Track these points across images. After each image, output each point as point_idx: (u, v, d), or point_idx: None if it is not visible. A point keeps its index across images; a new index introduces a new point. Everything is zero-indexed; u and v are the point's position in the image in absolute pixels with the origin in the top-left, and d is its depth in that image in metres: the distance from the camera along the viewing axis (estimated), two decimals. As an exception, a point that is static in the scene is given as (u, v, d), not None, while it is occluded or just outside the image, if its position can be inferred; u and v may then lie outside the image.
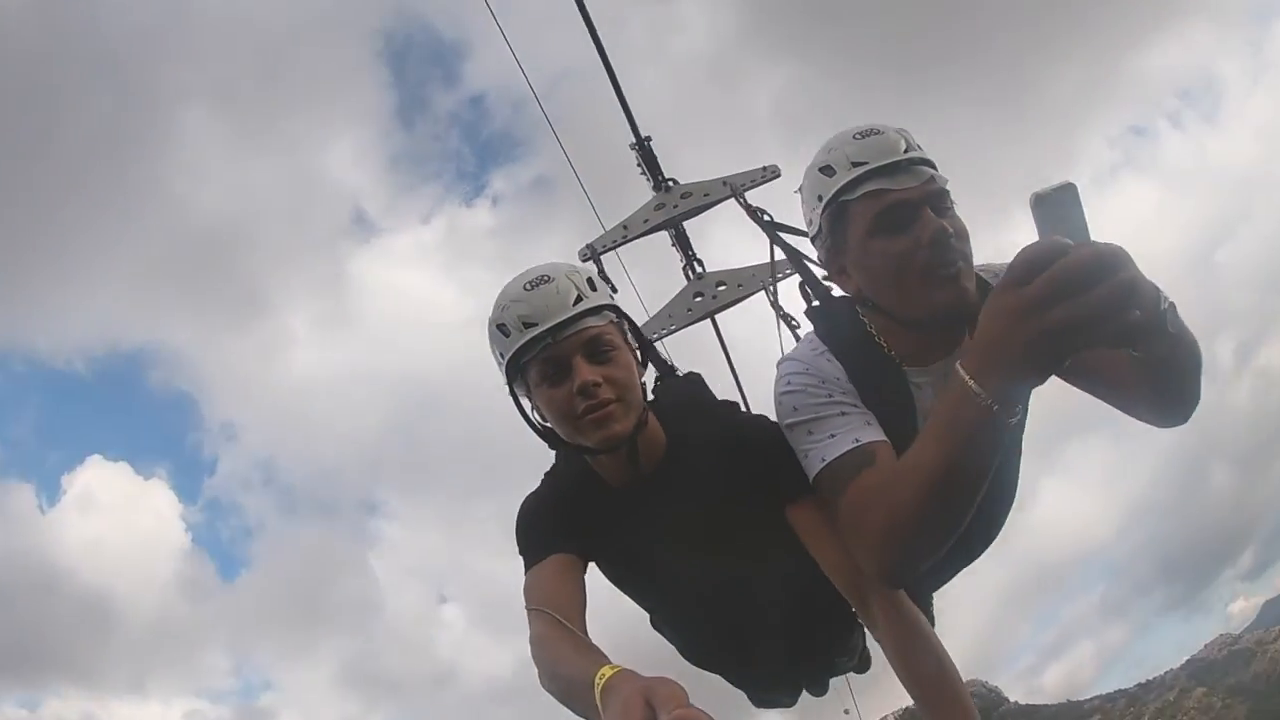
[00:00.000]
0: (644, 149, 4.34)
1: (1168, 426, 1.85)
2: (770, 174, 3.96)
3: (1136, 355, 1.47)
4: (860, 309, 1.92)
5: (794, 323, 3.92)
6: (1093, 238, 1.08)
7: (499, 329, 1.90)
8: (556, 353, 1.84)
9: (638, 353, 1.98)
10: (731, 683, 2.60)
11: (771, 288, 3.88)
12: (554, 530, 1.98)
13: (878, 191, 1.74)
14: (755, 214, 3.60)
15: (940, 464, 1.37)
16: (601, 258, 4.20)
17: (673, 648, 2.51)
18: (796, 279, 2.48)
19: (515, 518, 2.09)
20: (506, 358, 1.89)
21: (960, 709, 1.76)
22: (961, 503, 1.43)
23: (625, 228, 4.17)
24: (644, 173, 4.51)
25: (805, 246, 2.53)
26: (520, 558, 2.01)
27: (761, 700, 2.76)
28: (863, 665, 2.66)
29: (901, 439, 1.70)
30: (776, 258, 3.38)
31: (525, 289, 1.88)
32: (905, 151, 1.76)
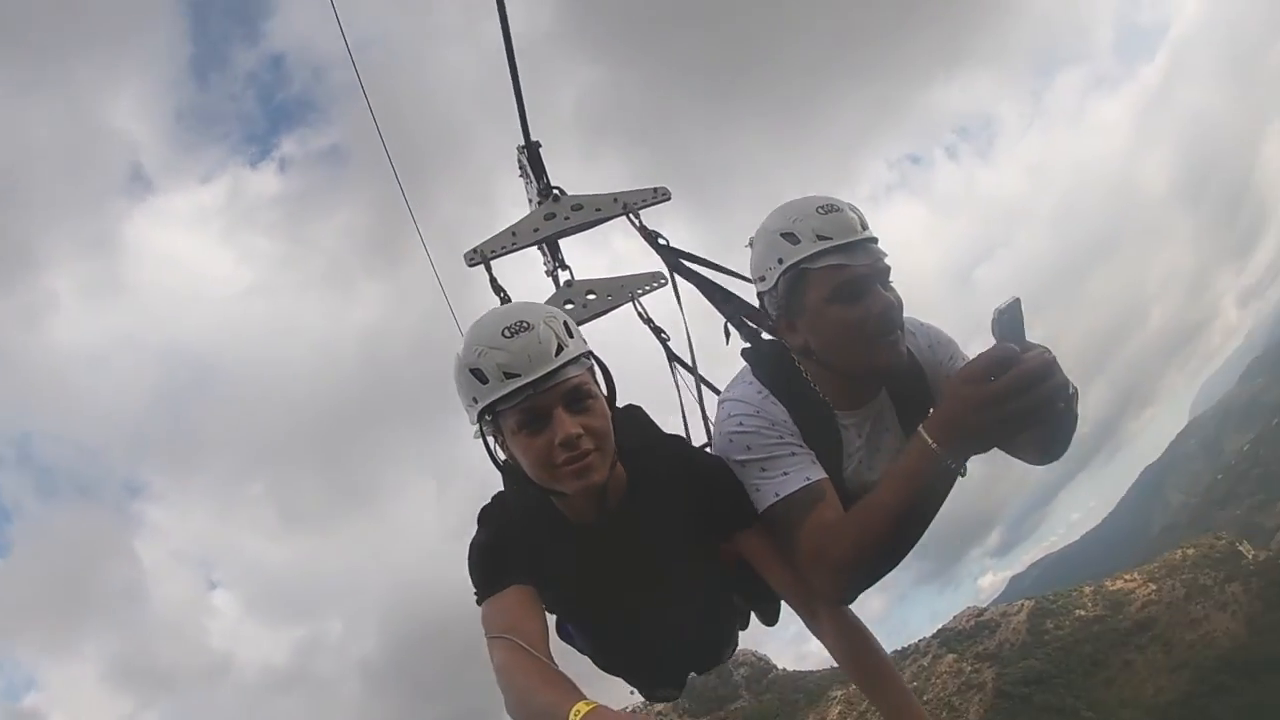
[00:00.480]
0: (533, 154, 4.13)
1: (1046, 464, 2.40)
2: (661, 196, 3.93)
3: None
4: (796, 356, 2.32)
5: (664, 335, 4.18)
6: (1028, 338, 1.65)
7: (473, 374, 1.94)
8: (538, 404, 1.91)
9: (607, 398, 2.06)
10: (632, 682, 2.83)
11: (639, 303, 4.10)
12: (512, 564, 2.04)
13: (839, 266, 2.13)
14: (651, 237, 3.79)
15: (904, 505, 1.86)
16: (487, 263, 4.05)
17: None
18: (666, 291, 3.31)
19: (468, 552, 2.13)
20: (481, 404, 1.93)
21: (904, 695, 2.20)
22: (913, 537, 1.98)
23: (514, 234, 3.94)
24: (523, 175, 4.39)
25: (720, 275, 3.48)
26: (474, 591, 2.07)
27: (655, 695, 3.02)
28: (729, 656, 2.97)
29: (833, 474, 2.23)
30: (680, 284, 3.75)
31: (505, 335, 1.92)
32: (862, 231, 2.16)
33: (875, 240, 2.18)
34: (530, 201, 4.31)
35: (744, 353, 2.59)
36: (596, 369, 2.04)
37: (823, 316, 2.17)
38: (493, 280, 3.85)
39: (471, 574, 2.08)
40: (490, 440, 2.03)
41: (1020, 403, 1.63)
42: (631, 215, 3.83)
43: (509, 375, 1.88)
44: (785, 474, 2.14)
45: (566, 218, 3.93)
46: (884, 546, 1.95)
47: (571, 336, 1.97)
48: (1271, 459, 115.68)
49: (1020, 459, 2.37)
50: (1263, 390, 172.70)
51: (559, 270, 4.37)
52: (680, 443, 2.51)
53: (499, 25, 3.48)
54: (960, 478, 1.82)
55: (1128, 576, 58.05)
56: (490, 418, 1.96)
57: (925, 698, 63.94)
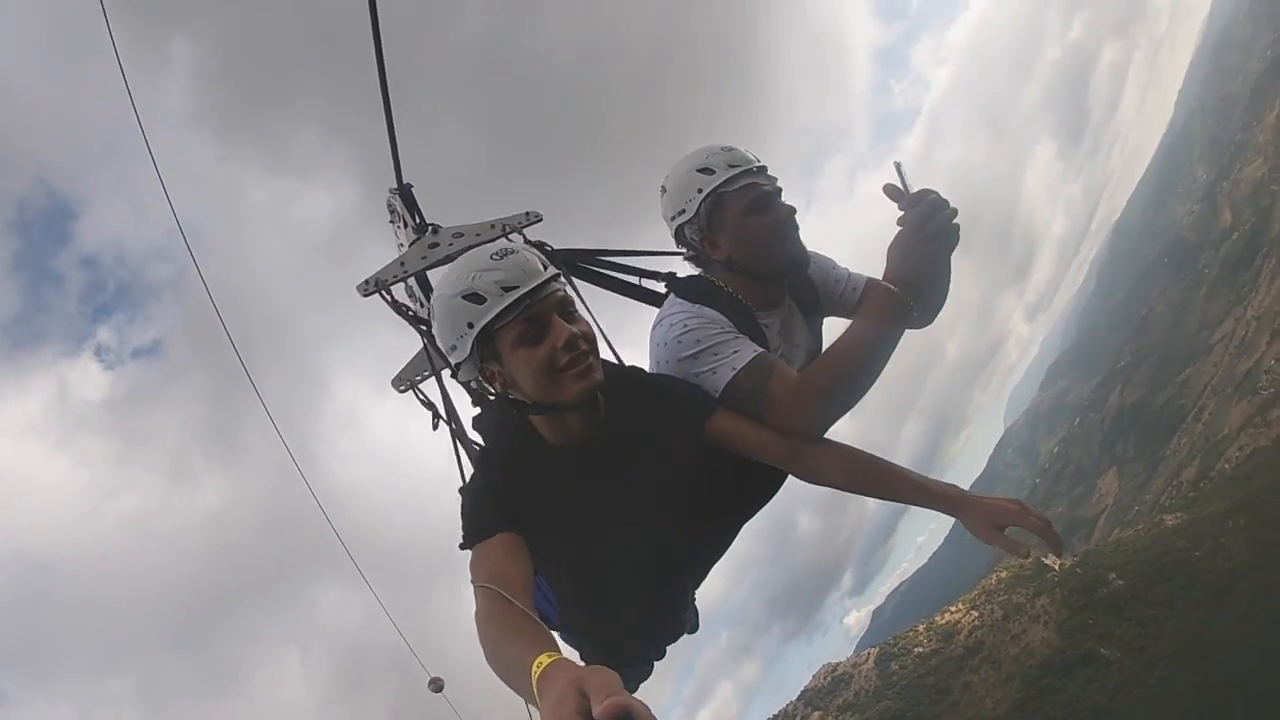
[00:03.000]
0: (406, 195, 4.33)
1: (924, 326, 2.88)
2: (534, 218, 4.17)
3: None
4: (716, 271, 2.74)
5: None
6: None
7: (469, 298, 2.09)
8: (536, 313, 2.09)
9: None
10: (600, 655, 2.83)
11: (523, 234, 4.16)
12: (499, 508, 2.13)
13: (750, 185, 2.64)
14: (537, 247, 3.99)
15: (873, 340, 2.33)
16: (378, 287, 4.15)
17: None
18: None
19: (460, 499, 2.23)
20: (479, 326, 2.08)
21: (921, 478, 2.35)
22: (878, 368, 2.36)
23: (402, 264, 4.07)
24: (394, 220, 4.57)
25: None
26: (461, 538, 2.15)
27: (622, 674, 2.42)
28: (694, 625, 3.11)
29: None
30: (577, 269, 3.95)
31: (494, 259, 2.11)
32: (757, 162, 2.69)
33: (767, 168, 2.70)
34: (400, 245, 4.46)
35: (667, 285, 3.06)
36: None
37: (741, 228, 2.64)
38: (393, 302, 4.07)
39: (461, 520, 2.16)
40: (477, 376, 2.19)
41: (936, 221, 2.24)
42: (511, 235, 4.03)
43: (507, 289, 2.06)
44: (735, 352, 2.49)
45: (450, 244, 4.05)
46: (858, 375, 2.36)
47: (546, 262, 2.16)
48: (1081, 455, 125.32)
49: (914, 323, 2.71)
50: (1064, 392, 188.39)
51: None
52: (632, 366, 2.70)
53: (375, 61, 3.64)
54: (913, 323, 2.49)
55: (953, 609, 62.60)
56: (485, 346, 2.11)
57: (802, 758, 66.29)
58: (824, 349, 2.69)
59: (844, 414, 2.45)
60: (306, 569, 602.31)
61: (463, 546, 2.12)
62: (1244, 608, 42.91)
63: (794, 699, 73.56)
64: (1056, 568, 56.76)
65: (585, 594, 2.63)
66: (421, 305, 4.42)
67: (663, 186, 2.81)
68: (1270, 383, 70.84)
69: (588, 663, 2.59)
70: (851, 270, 3.08)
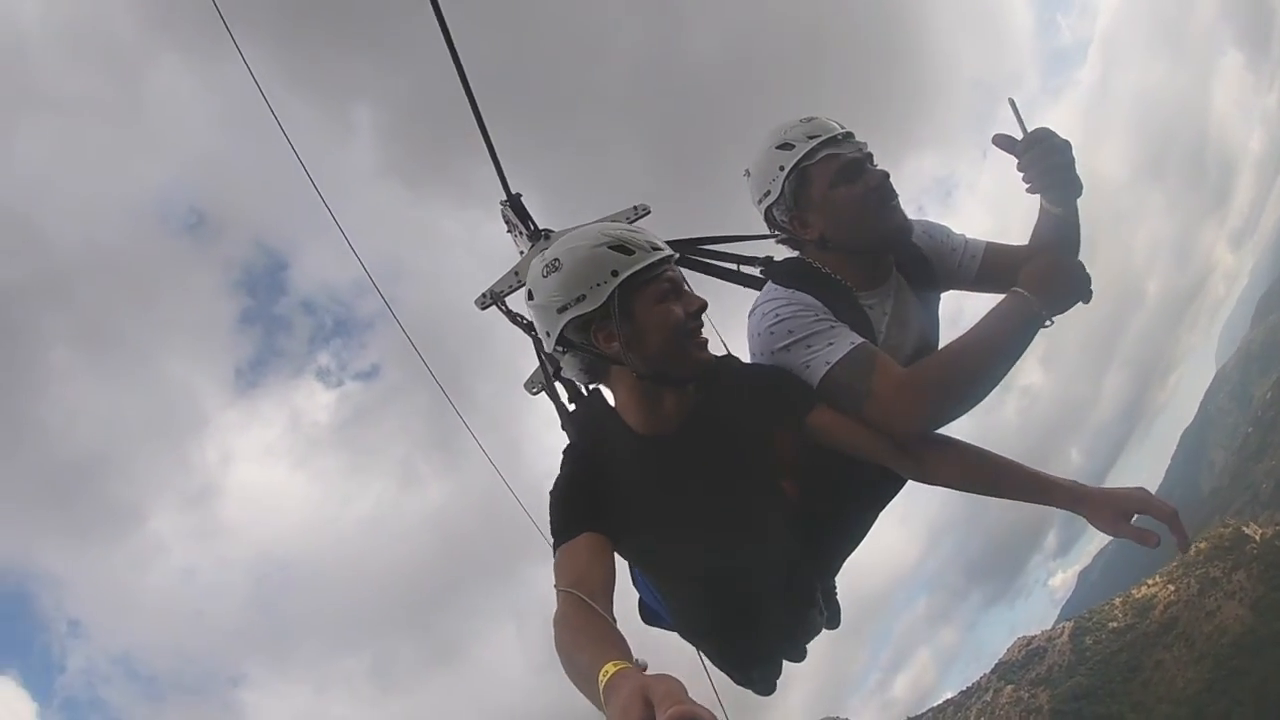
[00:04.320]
0: (516, 204, 4.49)
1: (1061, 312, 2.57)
2: (642, 212, 4.25)
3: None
4: (812, 251, 2.60)
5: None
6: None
7: (616, 248, 2.12)
8: (675, 275, 2.18)
9: None
10: (724, 656, 2.78)
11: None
12: (584, 506, 2.09)
13: (833, 155, 2.48)
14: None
15: (997, 345, 2.16)
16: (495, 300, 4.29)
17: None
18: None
19: (549, 498, 2.19)
20: (625, 274, 2.09)
21: (1030, 472, 2.22)
22: (997, 378, 2.20)
23: (516, 274, 4.23)
24: (510, 229, 4.71)
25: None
26: (551, 538, 2.11)
27: (745, 677, 2.87)
28: (834, 620, 2.99)
29: None
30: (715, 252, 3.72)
31: (629, 227, 2.20)
32: (841, 128, 2.53)
33: (853, 134, 2.54)
34: (521, 253, 4.50)
35: (763, 271, 2.94)
36: None
37: (830, 201, 2.48)
38: (509, 312, 4.01)
39: (550, 520, 2.13)
40: (595, 335, 2.13)
41: (1054, 166, 2.29)
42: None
43: (655, 248, 2.14)
44: (831, 344, 2.31)
45: None
46: (974, 379, 2.17)
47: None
48: None
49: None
50: (1277, 327, 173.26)
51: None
52: (727, 355, 2.66)
53: (459, 83, 3.81)
54: (1046, 325, 2.20)
55: (1150, 582, 61.97)
56: (621, 299, 2.09)
57: (993, 729, 67.72)
58: (940, 338, 2.67)
59: (956, 418, 2.25)
60: (520, 553, 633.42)
61: (554, 548, 2.08)
62: None
63: (988, 672, 74.38)
64: (1256, 538, 55.42)
65: (691, 594, 2.55)
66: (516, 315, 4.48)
67: (746, 170, 2.69)
68: None
69: (712, 662, 2.84)
70: (969, 237, 2.84)
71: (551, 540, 2.11)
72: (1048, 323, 2.21)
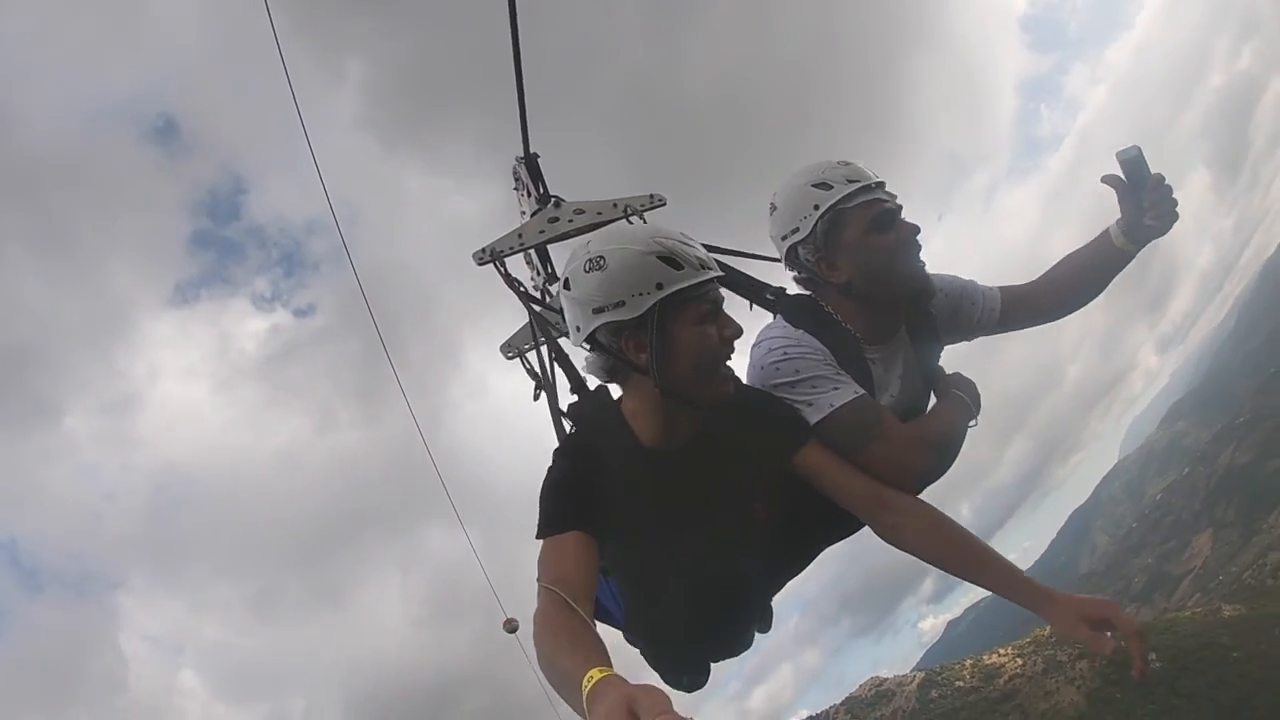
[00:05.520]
0: (532, 165, 4.42)
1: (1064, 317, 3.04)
2: (658, 201, 4.13)
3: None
4: (831, 296, 2.64)
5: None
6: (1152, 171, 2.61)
7: (667, 260, 2.13)
8: (717, 298, 2.20)
9: None
10: (670, 659, 2.81)
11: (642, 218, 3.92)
12: (578, 504, 2.11)
13: (871, 201, 2.52)
14: None
15: (962, 422, 2.57)
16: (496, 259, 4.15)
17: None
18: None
19: (541, 485, 2.19)
20: (670, 289, 2.11)
21: (1008, 564, 2.27)
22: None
23: (520, 236, 4.12)
24: (518, 188, 4.64)
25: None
26: (538, 529, 2.11)
27: (678, 679, 2.90)
28: (766, 625, 2.93)
29: None
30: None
31: (683, 241, 2.18)
32: (877, 178, 2.56)
33: (885, 184, 2.57)
34: (523, 214, 4.46)
35: (775, 303, 2.92)
36: None
37: (863, 247, 2.52)
38: (506, 275, 3.95)
39: (539, 508, 2.13)
40: (625, 343, 2.15)
41: (1173, 201, 2.63)
42: (632, 218, 3.87)
43: (704, 266, 2.15)
44: (836, 389, 2.43)
45: (570, 220, 4.03)
46: (957, 443, 2.53)
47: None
48: (1183, 507, 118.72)
49: (1056, 317, 3.02)
50: (1182, 434, 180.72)
51: (547, 283, 4.54)
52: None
53: (510, 40, 3.77)
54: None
55: (1002, 651, 65.07)
56: (661, 313, 2.11)
57: (834, 758, 70.78)
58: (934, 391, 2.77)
59: (940, 476, 2.45)
60: (421, 511, 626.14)
61: (536, 536, 2.09)
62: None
63: (838, 702, 77.29)
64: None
65: (652, 600, 2.56)
66: (538, 274, 4.52)
67: (772, 204, 2.69)
68: None
69: (648, 664, 2.84)
70: (984, 286, 2.96)
71: (538, 530, 2.11)
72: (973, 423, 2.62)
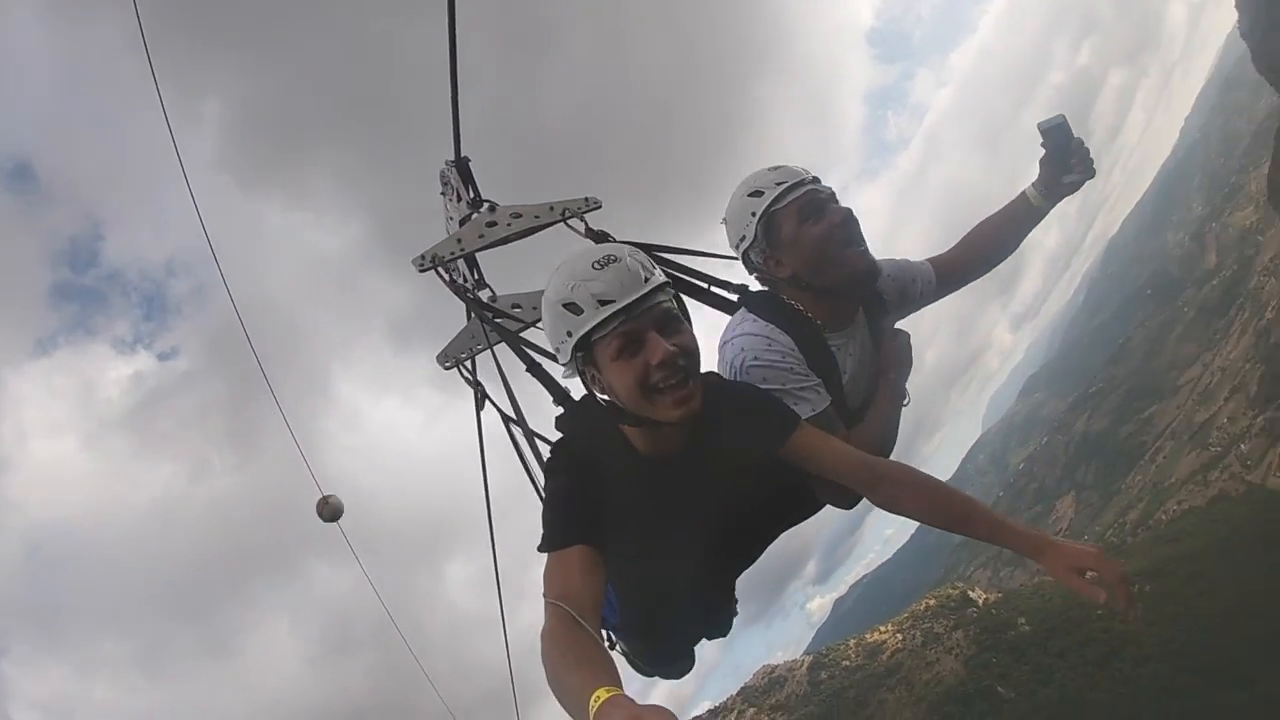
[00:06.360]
0: (463, 168, 4.35)
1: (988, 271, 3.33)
2: (593, 204, 4.08)
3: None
4: (785, 290, 2.82)
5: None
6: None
7: (567, 308, 2.13)
8: (633, 328, 2.10)
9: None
10: (658, 654, 2.99)
11: (581, 222, 3.97)
12: (582, 518, 2.10)
13: (800, 195, 2.73)
14: (599, 236, 3.83)
15: (896, 415, 2.92)
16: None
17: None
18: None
19: (544, 494, 2.25)
20: (577, 336, 2.12)
21: (992, 516, 2.32)
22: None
23: (459, 241, 4.02)
24: (446, 193, 4.56)
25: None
26: (542, 543, 2.12)
27: (664, 670, 3.13)
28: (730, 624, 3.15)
29: (835, 391, 2.76)
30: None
31: (595, 268, 2.11)
32: (807, 173, 2.79)
33: (818, 179, 2.79)
34: (450, 219, 4.42)
35: (739, 300, 3.00)
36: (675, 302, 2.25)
37: (799, 240, 2.73)
38: (450, 280, 3.94)
39: (542, 522, 2.16)
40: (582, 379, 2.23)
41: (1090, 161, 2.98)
42: (572, 220, 3.89)
43: (603, 303, 2.09)
44: (796, 404, 2.60)
45: (508, 224, 3.97)
46: (892, 439, 2.93)
47: (654, 269, 2.20)
48: (1045, 474, 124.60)
49: (979, 275, 3.35)
50: (1040, 406, 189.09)
51: (479, 290, 4.46)
52: (712, 373, 2.60)
53: (446, 43, 3.70)
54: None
55: (882, 629, 67.51)
56: (583, 353, 2.16)
57: (736, 750, 72.07)
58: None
59: None
60: (303, 549, 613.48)
61: (540, 549, 2.11)
62: (1126, 672, 47.53)
63: (734, 694, 78.42)
64: (980, 603, 61.41)
65: (649, 600, 2.62)
66: (467, 280, 4.42)
67: (723, 219, 2.93)
68: (1220, 440, 72.21)
69: (634, 661, 2.94)
70: (918, 262, 3.25)
71: (542, 543, 2.12)
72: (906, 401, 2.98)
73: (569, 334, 2.15)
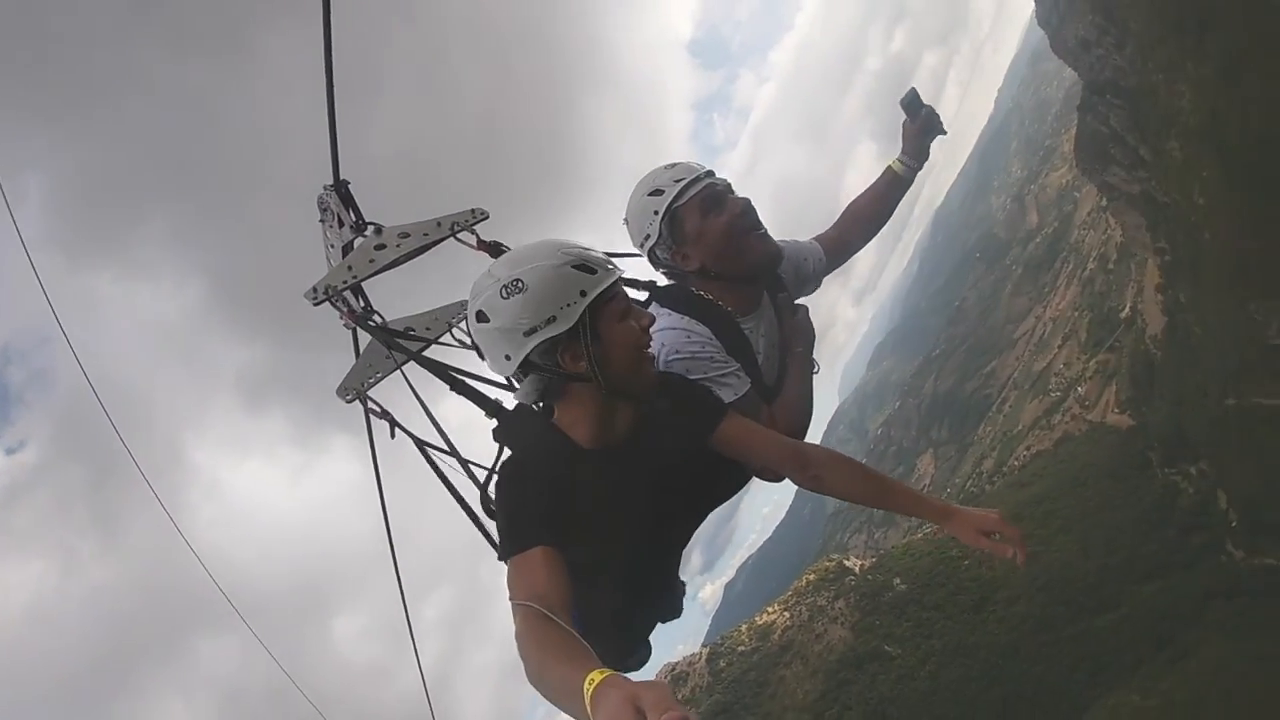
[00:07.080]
0: (344, 191, 4.06)
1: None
2: (480, 215, 3.82)
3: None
4: (694, 281, 2.93)
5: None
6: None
7: (580, 268, 2.21)
8: (624, 294, 2.32)
9: None
10: (617, 643, 2.84)
11: (472, 235, 3.77)
12: (539, 519, 2.14)
13: (700, 190, 2.85)
14: (491, 246, 3.68)
15: (810, 389, 3.06)
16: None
17: None
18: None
19: (496, 509, 2.29)
20: (593, 294, 2.20)
21: (908, 490, 2.65)
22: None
23: (350, 268, 3.72)
24: (325, 220, 4.22)
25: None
26: (498, 548, 2.21)
27: (628, 660, 3.01)
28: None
29: (751, 369, 2.85)
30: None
31: (584, 247, 2.27)
32: (704, 169, 2.91)
33: (714, 173, 2.93)
34: (331, 247, 4.17)
35: (652, 296, 3.02)
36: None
37: (702, 233, 2.82)
38: (348, 310, 3.71)
39: (498, 532, 2.21)
40: (560, 356, 2.23)
41: (939, 128, 3.39)
42: (462, 234, 3.76)
43: (609, 269, 2.26)
44: (719, 390, 2.68)
45: (398, 245, 3.73)
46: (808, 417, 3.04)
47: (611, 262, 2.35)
48: (902, 435, 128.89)
49: (857, 248, 3.58)
50: (889, 372, 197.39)
51: (372, 317, 4.14)
52: None
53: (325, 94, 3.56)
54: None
55: (769, 610, 69.11)
56: (590, 314, 2.22)
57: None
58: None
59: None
60: (184, 626, 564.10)
61: (500, 558, 2.15)
62: (1000, 613, 50.17)
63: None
64: (857, 571, 63.46)
65: (607, 591, 2.62)
66: (353, 309, 4.14)
67: (624, 219, 3.00)
68: (1058, 385, 75.36)
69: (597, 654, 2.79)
70: (807, 241, 3.49)
71: (500, 552, 2.18)
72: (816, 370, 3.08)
73: (583, 293, 2.21)
